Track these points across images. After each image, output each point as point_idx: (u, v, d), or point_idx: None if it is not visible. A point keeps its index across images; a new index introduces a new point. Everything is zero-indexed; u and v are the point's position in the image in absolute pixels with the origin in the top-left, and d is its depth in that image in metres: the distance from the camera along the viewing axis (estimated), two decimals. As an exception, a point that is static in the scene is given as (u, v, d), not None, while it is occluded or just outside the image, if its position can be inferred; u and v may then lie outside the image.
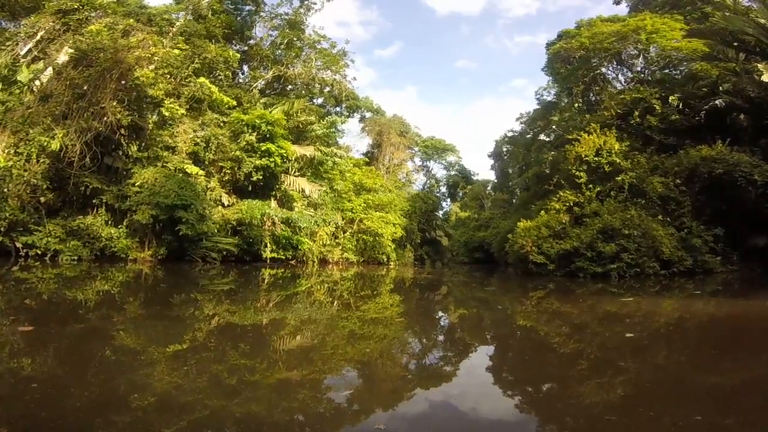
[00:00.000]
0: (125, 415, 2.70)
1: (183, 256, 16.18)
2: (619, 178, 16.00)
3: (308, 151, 21.78)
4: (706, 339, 5.77)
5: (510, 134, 41.22)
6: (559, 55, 24.80)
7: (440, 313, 8.82)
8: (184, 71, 18.32)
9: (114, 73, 14.65)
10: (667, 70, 22.03)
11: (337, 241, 24.48)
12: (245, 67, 26.41)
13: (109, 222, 15.20)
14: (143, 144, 16.35)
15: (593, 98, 25.62)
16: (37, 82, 15.68)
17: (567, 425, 2.95)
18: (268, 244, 19.00)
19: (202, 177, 17.45)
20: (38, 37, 17.26)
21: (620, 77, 24.72)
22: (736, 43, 16.67)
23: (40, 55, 17.03)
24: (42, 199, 13.80)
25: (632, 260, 13.95)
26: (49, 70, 15.76)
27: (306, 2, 26.25)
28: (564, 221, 15.72)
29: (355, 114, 37.93)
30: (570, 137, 18.52)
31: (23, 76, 15.73)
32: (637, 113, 18.34)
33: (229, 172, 19.02)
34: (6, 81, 15.76)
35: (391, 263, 26.88)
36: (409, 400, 3.37)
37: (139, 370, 3.61)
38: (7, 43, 16.86)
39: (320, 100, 29.73)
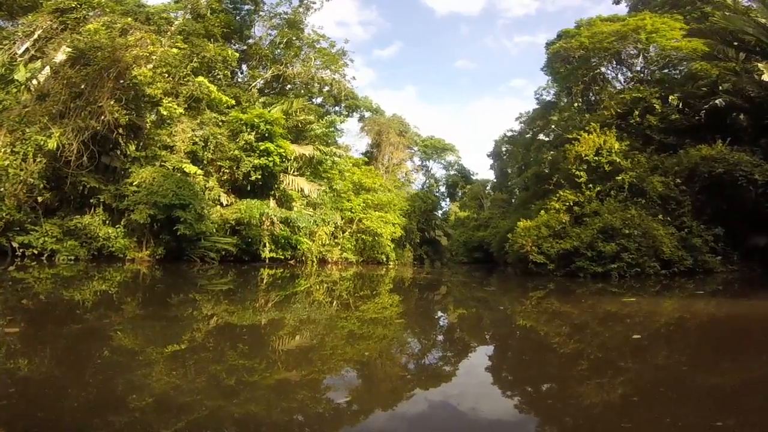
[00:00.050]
0: (122, 416, 2.68)
1: (181, 256, 16.11)
2: (619, 178, 15.96)
3: (307, 150, 21.72)
4: (719, 340, 5.72)
5: (509, 134, 41.23)
6: (559, 54, 24.77)
7: (440, 313, 8.78)
8: (183, 70, 18.25)
9: (111, 71, 14.57)
10: (666, 70, 22.02)
11: (336, 240, 24.42)
12: (244, 67, 26.36)
13: (107, 222, 15.13)
14: (141, 143, 16.27)
15: (593, 98, 25.60)
16: (35, 81, 15.61)
17: (575, 427, 2.90)
18: (267, 244, 18.93)
19: (201, 176, 17.39)
20: (36, 36, 17.21)
21: (620, 77, 24.72)
22: (736, 43, 16.63)
23: (38, 54, 16.97)
24: (39, 199, 13.72)
25: (633, 260, 13.90)
26: (47, 69, 15.69)
27: (305, 2, 26.23)
28: (564, 221, 15.67)
29: (355, 114, 37.92)
30: (570, 137, 18.48)
31: (20, 75, 15.67)
32: (637, 113, 18.31)
33: (227, 171, 18.96)
34: (3, 80, 15.69)
35: (391, 263, 26.83)
36: (409, 401, 3.35)
37: (137, 371, 3.58)
38: (4, 42, 16.80)
39: (319, 100, 29.70)
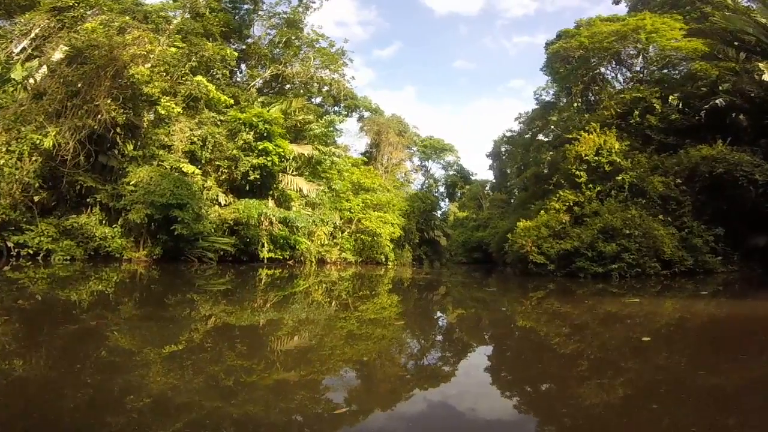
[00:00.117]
0: (120, 416, 2.66)
1: (179, 256, 16.00)
2: (620, 178, 15.93)
3: (306, 150, 21.64)
4: (719, 340, 5.67)
5: (508, 134, 41.24)
6: (558, 54, 24.72)
7: (439, 314, 8.71)
8: (181, 69, 18.16)
9: (109, 70, 14.47)
10: (666, 70, 22.00)
11: (335, 240, 24.33)
12: (243, 66, 26.27)
13: (104, 221, 15.01)
14: (139, 142, 16.17)
15: (592, 98, 25.57)
16: (31, 80, 15.50)
17: (575, 427, 2.82)
18: (266, 244, 18.83)
19: (199, 176, 17.29)
20: (33, 35, 17.09)
21: (619, 77, 24.70)
22: (736, 43, 16.63)
23: (35, 52, 16.86)
24: (35, 198, 13.60)
25: (633, 260, 13.85)
26: (44, 68, 15.58)
27: (304, 1, 26.17)
28: (564, 221, 15.63)
29: (354, 113, 37.87)
30: (569, 137, 18.45)
31: (17, 73, 15.56)
32: (636, 113, 18.28)
33: (226, 171, 18.87)
34: (0, 79, 15.56)
35: (390, 263, 26.74)
36: (408, 401, 3.34)
37: (134, 372, 3.56)
38: (1, 41, 16.68)
39: (318, 100, 29.62)
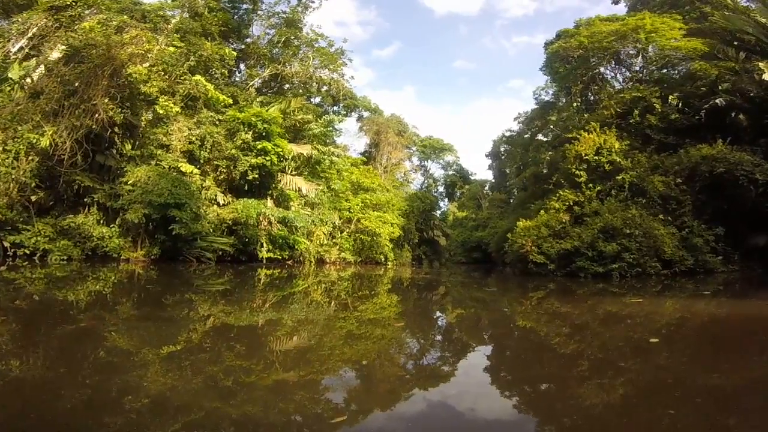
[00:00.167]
0: (118, 417, 2.64)
1: (177, 255, 15.93)
2: (620, 177, 15.90)
3: (305, 149, 21.58)
4: (720, 340, 5.63)
5: (508, 134, 41.31)
6: (558, 54, 24.72)
7: (439, 314, 8.66)
8: (179, 69, 18.09)
9: (106, 69, 14.40)
10: (665, 70, 22.01)
11: (334, 240, 24.27)
12: (242, 66, 26.23)
13: (101, 221, 14.93)
14: (137, 142, 16.10)
15: (592, 98, 25.57)
16: (28, 80, 15.41)
17: (575, 427, 2.78)
18: (265, 244, 18.76)
19: (197, 176, 17.23)
20: (30, 34, 17.00)
21: (618, 77, 24.72)
22: (735, 42, 16.61)
23: (32, 52, 16.77)
24: (32, 198, 13.51)
25: (634, 260, 13.82)
26: (41, 68, 15.50)
27: (303, 1, 26.14)
28: (564, 221, 15.59)
29: (353, 113, 37.86)
30: (569, 136, 18.42)
31: (14, 73, 15.46)
32: (636, 112, 18.27)
33: (224, 170, 18.80)
34: (-3, 78, 15.48)
35: (389, 263, 26.69)
36: (407, 401, 3.32)
37: (132, 372, 3.53)
38: (-2, 40, 16.59)
39: (318, 99, 29.58)
